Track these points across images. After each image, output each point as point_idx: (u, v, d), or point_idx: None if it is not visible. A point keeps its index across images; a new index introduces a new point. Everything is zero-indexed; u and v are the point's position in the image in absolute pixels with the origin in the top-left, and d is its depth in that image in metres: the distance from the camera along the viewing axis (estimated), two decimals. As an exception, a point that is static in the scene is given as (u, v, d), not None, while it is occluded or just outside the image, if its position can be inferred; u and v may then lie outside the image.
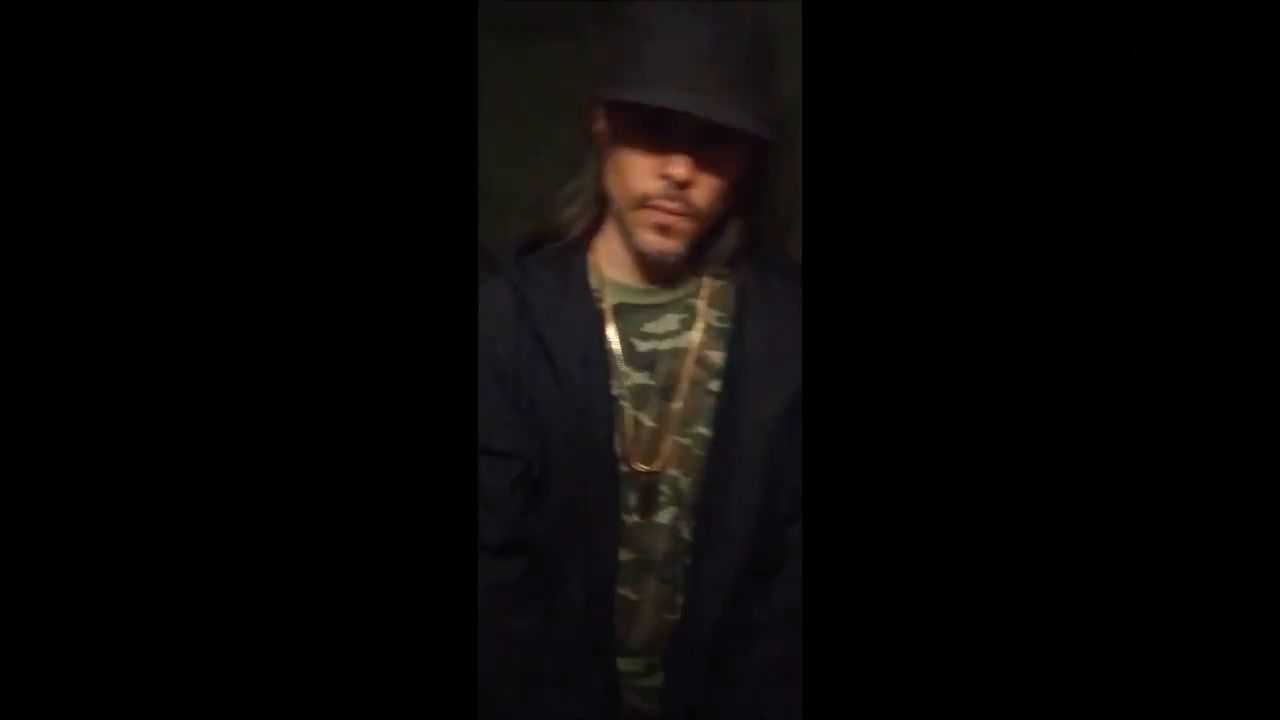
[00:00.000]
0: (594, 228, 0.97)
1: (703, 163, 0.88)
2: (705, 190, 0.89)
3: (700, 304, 0.97)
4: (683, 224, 0.90)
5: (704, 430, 0.94)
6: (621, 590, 0.94)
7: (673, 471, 0.94)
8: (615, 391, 0.94)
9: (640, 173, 0.89)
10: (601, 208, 0.96)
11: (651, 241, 0.91)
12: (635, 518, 0.94)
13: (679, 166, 0.87)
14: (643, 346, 0.95)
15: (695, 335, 0.96)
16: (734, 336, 0.95)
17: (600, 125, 0.92)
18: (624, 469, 0.93)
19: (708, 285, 0.97)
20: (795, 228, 1.19)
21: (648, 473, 0.94)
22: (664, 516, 0.94)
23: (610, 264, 0.97)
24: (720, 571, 0.93)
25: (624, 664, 0.95)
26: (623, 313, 0.96)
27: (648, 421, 0.94)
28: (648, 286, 0.97)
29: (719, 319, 0.97)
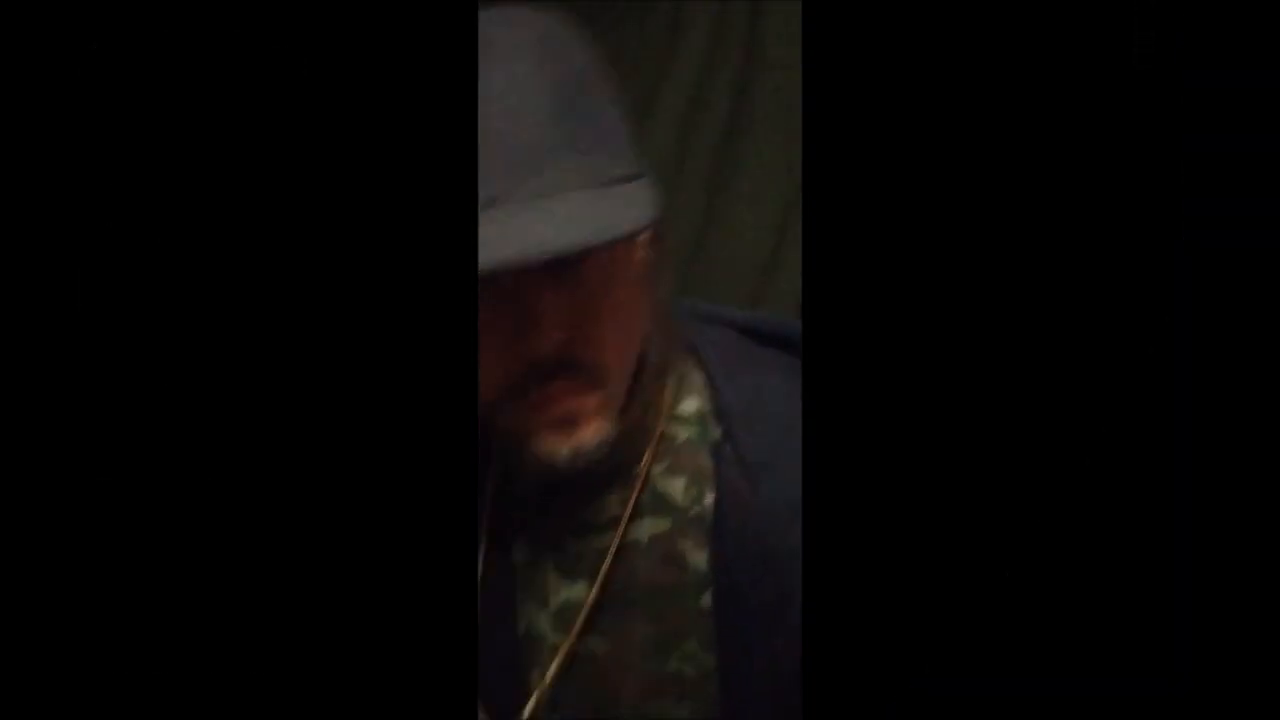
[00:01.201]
0: None
1: (573, 309, 0.63)
2: (595, 344, 0.64)
3: (657, 473, 0.70)
4: (589, 401, 0.65)
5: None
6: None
7: None
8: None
9: (493, 369, 0.64)
10: None
11: (555, 444, 0.65)
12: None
13: (540, 337, 0.62)
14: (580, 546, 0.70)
15: (659, 524, 0.70)
16: (714, 524, 0.69)
17: None
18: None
19: (668, 444, 0.70)
20: (791, 237, 1.20)
21: None
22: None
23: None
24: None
25: None
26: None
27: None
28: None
29: (690, 497, 0.70)
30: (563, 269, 0.63)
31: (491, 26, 0.65)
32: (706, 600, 0.67)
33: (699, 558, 0.68)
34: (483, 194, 0.60)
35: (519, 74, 0.63)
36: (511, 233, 0.60)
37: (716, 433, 0.72)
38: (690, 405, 0.73)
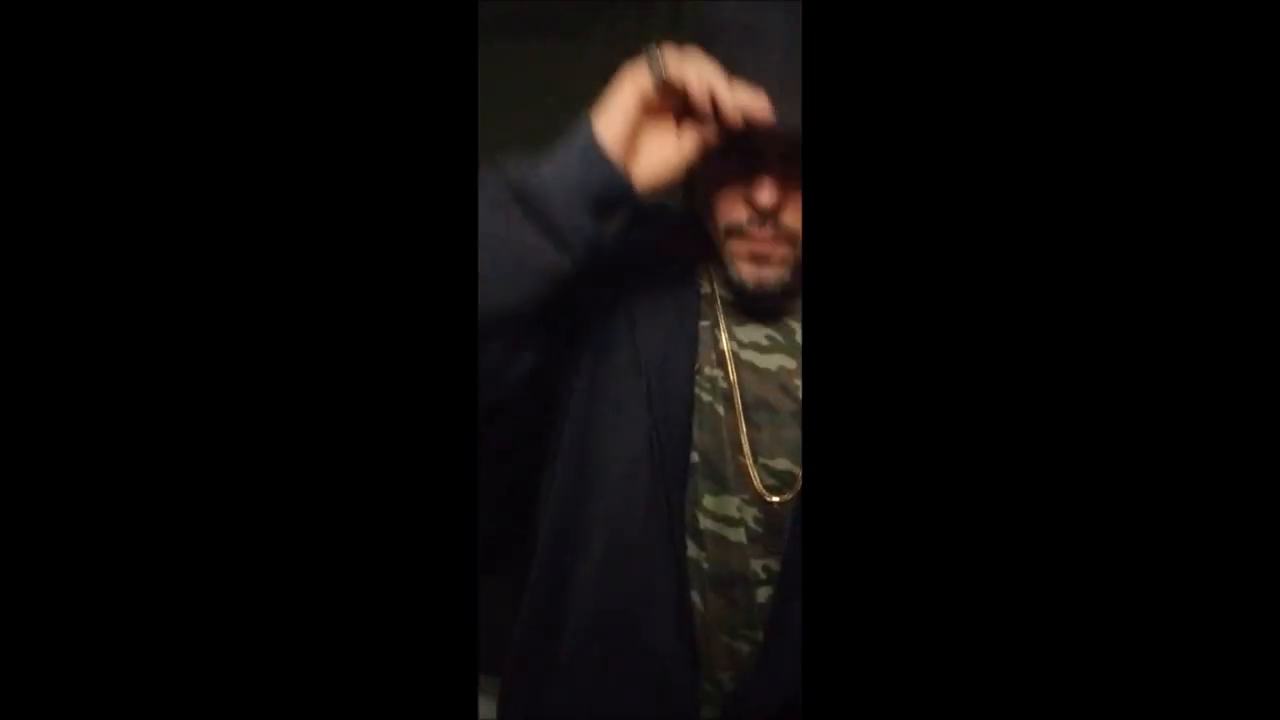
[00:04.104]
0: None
1: (789, 183, 0.81)
2: (797, 213, 0.82)
3: (799, 326, 0.89)
4: (779, 251, 0.83)
5: (786, 464, 0.87)
6: (691, 594, 0.87)
7: (745, 492, 0.87)
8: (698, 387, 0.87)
9: (726, 202, 0.83)
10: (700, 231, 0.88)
11: (748, 273, 0.85)
12: (708, 521, 0.88)
13: (764, 193, 0.81)
14: (725, 345, 0.88)
15: (785, 361, 0.89)
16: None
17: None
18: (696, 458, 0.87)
19: None
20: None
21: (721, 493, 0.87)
22: (737, 534, 0.88)
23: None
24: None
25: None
26: (718, 304, 0.89)
27: (721, 427, 0.88)
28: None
29: None
30: (789, 147, 0.80)
31: None
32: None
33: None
34: None
35: None
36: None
37: None
38: None
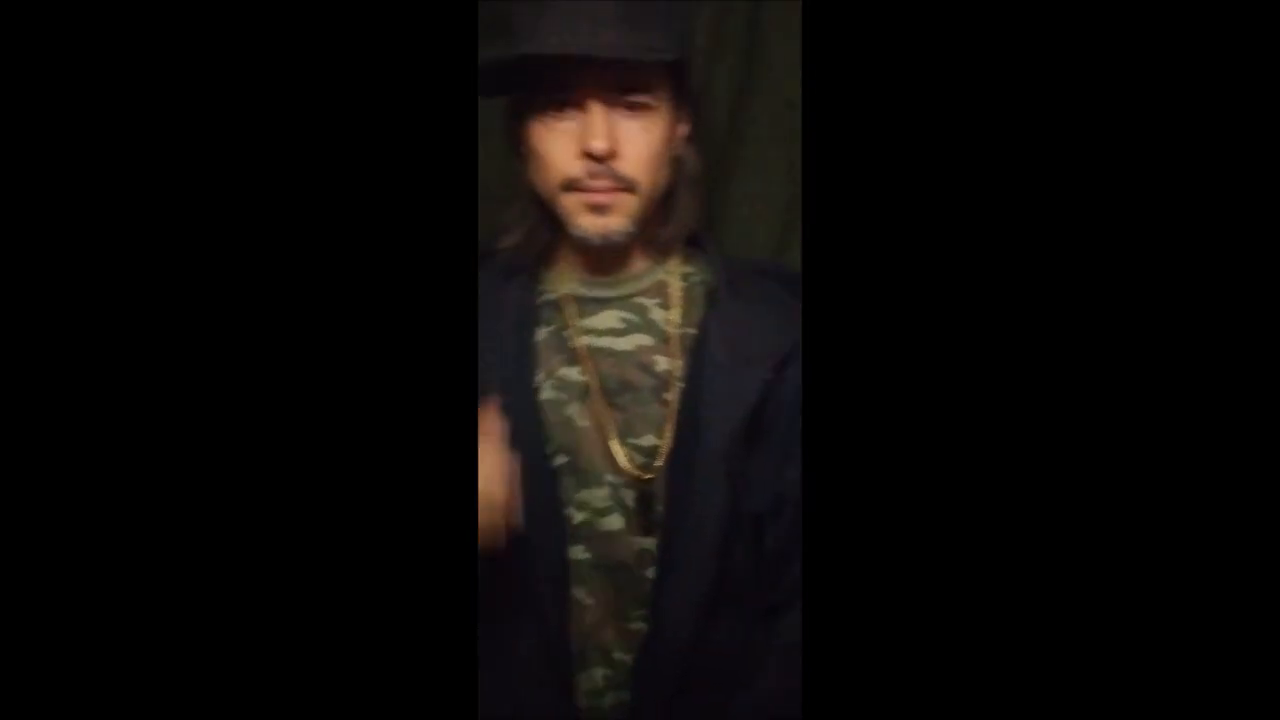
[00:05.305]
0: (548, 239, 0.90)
1: (623, 129, 0.82)
2: (634, 160, 0.82)
3: (652, 305, 0.90)
4: (619, 199, 0.83)
5: (652, 440, 0.88)
6: (576, 592, 0.87)
7: (613, 477, 0.87)
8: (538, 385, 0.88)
9: (558, 156, 0.82)
10: (544, 212, 0.88)
11: (588, 224, 0.84)
12: (583, 515, 0.88)
13: (596, 138, 0.80)
14: (576, 342, 0.89)
15: (643, 339, 0.89)
16: (697, 343, 0.88)
17: (512, 122, 0.85)
18: (561, 462, 0.88)
19: (672, 286, 0.90)
20: (792, 236, 1.20)
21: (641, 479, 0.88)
22: (613, 522, 0.88)
23: (565, 263, 0.90)
24: (687, 588, 0.86)
25: (582, 678, 0.88)
26: (563, 304, 0.90)
27: (581, 421, 0.88)
28: (594, 278, 0.90)
29: (674, 325, 0.89)
30: (631, 85, 0.81)
31: None
32: (667, 394, 0.88)
33: (665, 364, 0.89)
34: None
35: None
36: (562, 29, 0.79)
37: (706, 290, 0.92)
38: (690, 269, 0.93)
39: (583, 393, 0.88)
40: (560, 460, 0.87)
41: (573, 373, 0.88)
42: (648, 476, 0.86)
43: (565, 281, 0.90)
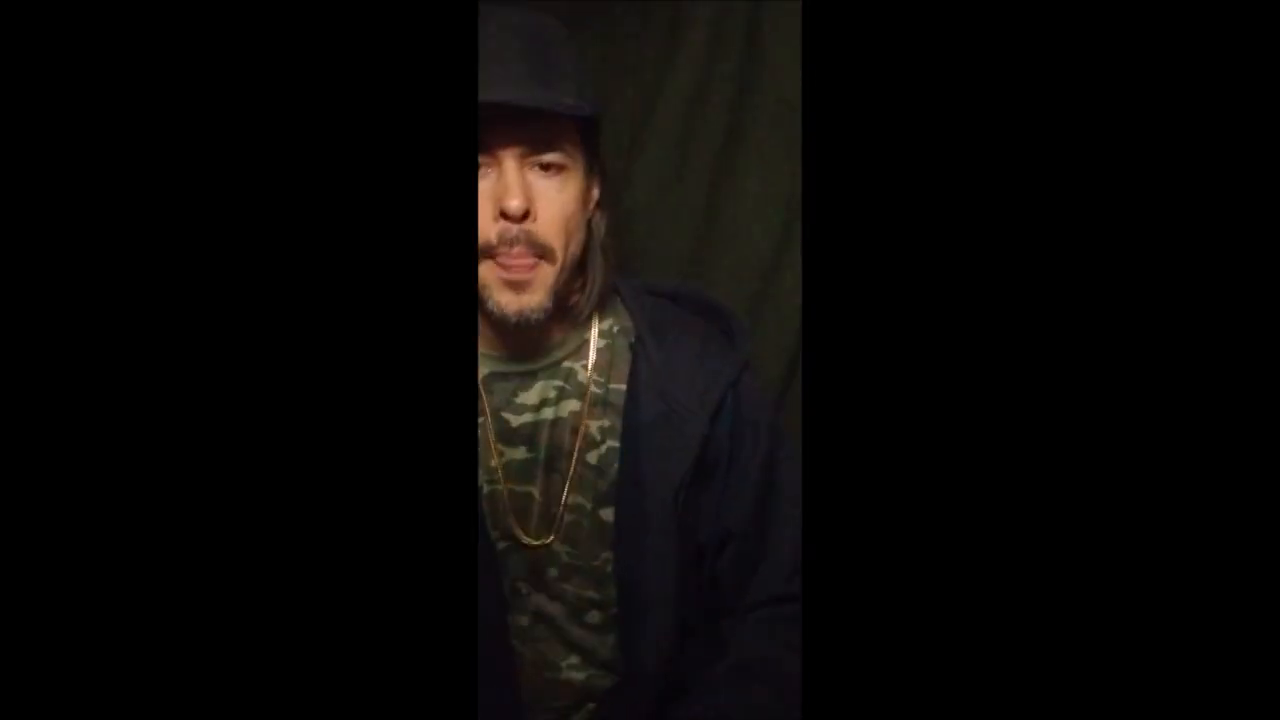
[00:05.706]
0: None
1: (538, 188, 0.80)
2: (549, 223, 0.81)
3: (578, 367, 0.90)
4: (537, 274, 0.81)
5: (586, 502, 0.89)
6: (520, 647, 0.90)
7: (560, 546, 0.89)
8: (489, 470, 0.87)
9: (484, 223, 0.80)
10: None
11: (507, 303, 0.82)
12: (526, 588, 0.90)
13: (512, 196, 0.78)
14: (516, 421, 0.88)
15: (574, 404, 0.89)
16: (626, 400, 0.88)
17: None
18: (507, 544, 0.89)
19: (590, 346, 0.90)
20: (792, 236, 1.20)
21: (535, 547, 0.89)
22: (565, 587, 0.90)
23: (482, 341, 0.88)
24: (650, 633, 0.88)
25: None
26: (491, 383, 0.88)
27: (536, 495, 0.89)
28: (514, 354, 0.88)
29: (600, 384, 0.89)
30: (536, 153, 0.80)
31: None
32: (593, 458, 0.89)
33: (599, 429, 0.89)
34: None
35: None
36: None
37: (629, 341, 0.92)
38: (609, 323, 0.93)
39: (531, 469, 0.88)
40: (500, 546, 0.89)
41: (519, 452, 0.88)
42: (534, 543, 0.88)
43: (484, 362, 0.88)
